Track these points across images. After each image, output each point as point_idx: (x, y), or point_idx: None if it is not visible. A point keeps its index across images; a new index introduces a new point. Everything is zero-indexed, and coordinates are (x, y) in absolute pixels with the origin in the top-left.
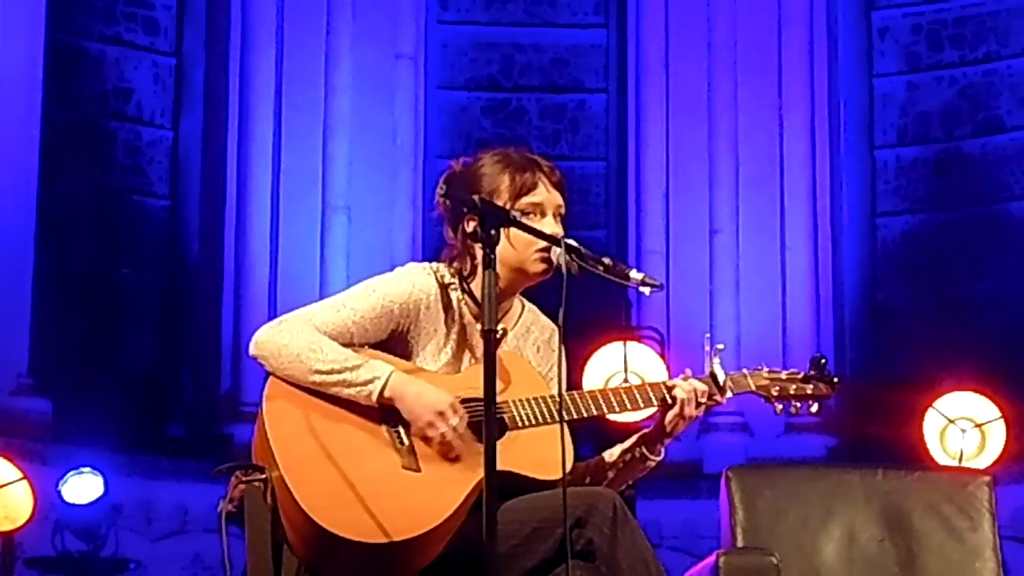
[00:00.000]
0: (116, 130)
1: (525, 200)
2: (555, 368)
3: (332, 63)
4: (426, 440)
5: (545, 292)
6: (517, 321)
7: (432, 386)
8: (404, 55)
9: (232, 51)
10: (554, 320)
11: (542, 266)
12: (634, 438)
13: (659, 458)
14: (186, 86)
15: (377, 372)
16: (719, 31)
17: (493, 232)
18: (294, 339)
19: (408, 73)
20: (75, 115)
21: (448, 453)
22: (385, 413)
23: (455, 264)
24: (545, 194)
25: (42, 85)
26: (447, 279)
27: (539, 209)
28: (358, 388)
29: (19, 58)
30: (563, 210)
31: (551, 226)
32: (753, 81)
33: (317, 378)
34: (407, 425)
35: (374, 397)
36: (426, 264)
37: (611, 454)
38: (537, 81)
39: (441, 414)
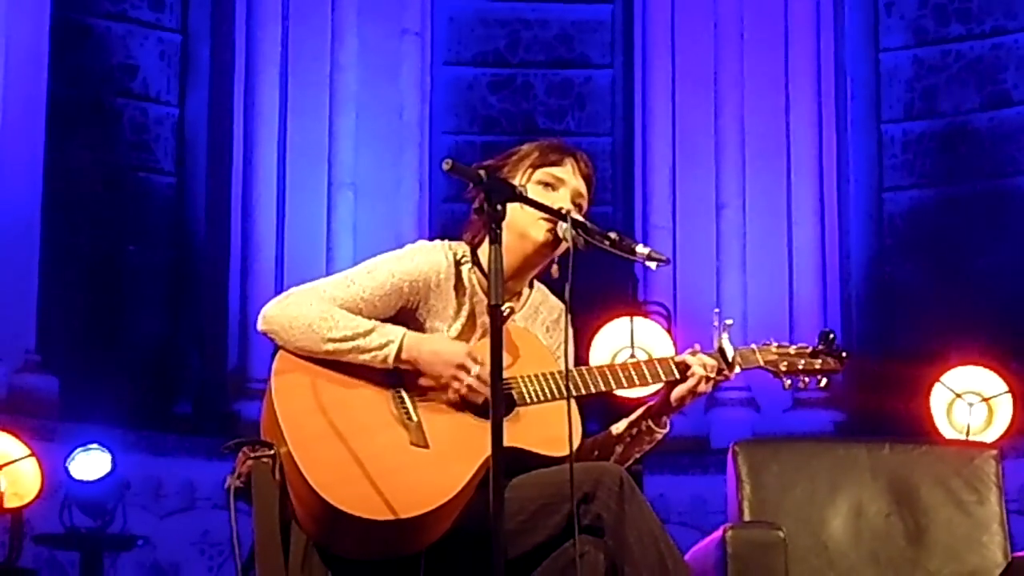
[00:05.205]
0: (122, 107)
1: (546, 170)
2: (563, 345)
3: (338, 39)
4: (451, 391)
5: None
6: (526, 302)
7: (447, 340)
8: (410, 31)
9: (238, 27)
10: (562, 298)
11: (547, 235)
12: (640, 410)
13: (665, 431)
14: (192, 63)
15: (391, 336)
16: (725, 6)
17: (499, 207)
18: (304, 310)
19: (414, 49)
20: (81, 92)
21: (476, 398)
22: (395, 387)
23: (467, 237)
24: (569, 174)
25: (48, 62)
26: (459, 254)
27: (558, 183)
28: (373, 353)
29: (25, 35)
30: (584, 202)
31: (563, 201)
32: (759, 56)
33: (331, 346)
34: (419, 395)
35: (390, 360)
36: (438, 241)
37: (617, 427)
38: (543, 57)
39: (461, 366)
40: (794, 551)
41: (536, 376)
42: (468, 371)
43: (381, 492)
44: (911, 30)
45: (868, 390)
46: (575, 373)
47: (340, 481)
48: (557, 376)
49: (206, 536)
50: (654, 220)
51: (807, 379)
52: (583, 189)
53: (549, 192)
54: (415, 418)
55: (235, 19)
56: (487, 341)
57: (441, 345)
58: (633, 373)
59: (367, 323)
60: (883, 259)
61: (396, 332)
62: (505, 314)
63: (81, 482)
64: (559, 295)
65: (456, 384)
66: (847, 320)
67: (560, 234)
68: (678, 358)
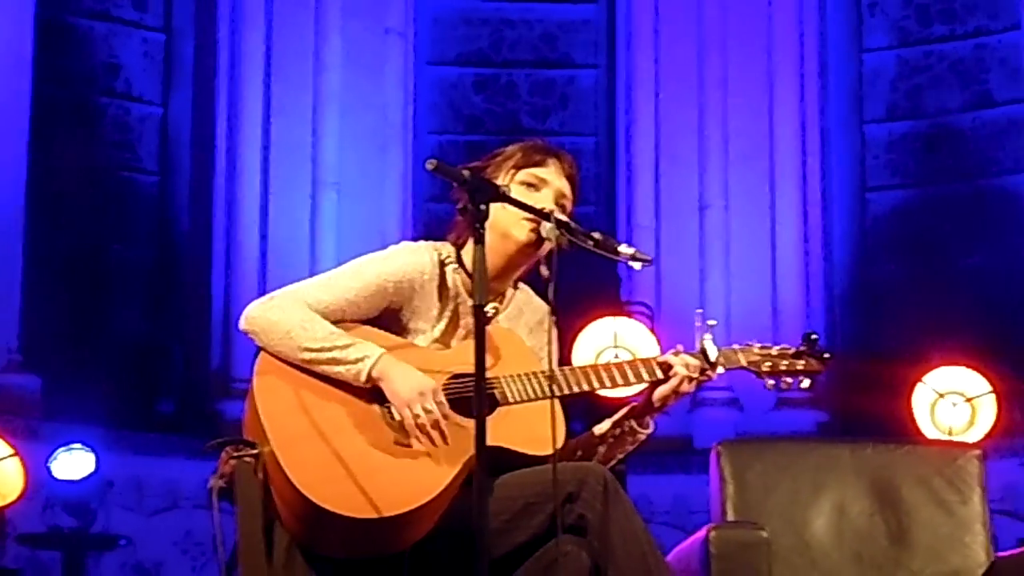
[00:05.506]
0: (105, 106)
1: (529, 171)
2: (546, 346)
3: (322, 38)
4: (405, 414)
5: (536, 270)
6: (510, 303)
7: (417, 370)
8: (394, 30)
9: (221, 27)
10: (545, 298)
11: (530, 235)
12: (623, 411)
13: (648, 431)
14: (175, 62)
15: (367, 352)
16: (709, 7)
17: (483, 207)
18: (285, 316)
19: (398, 48)
20: (64, 91)
21: (427, 437)
22: (376, 390)
23: (451, 237)
24: (552, 174)
25: (31, 61)
26: (444, 255)
27: (541, 183)
28: (347, 367)
29: (8, 34)
30: (568, 203)
31: (546, 201)
32: (743, 56)
33: (307, 355)
34: None
35: (362, 377)
36: (423, 242)
37: (600, 428)
38: (527, 56)
39: (423, 394)
40: (777, 551)
41: (519, 376)
42: (424, 403)
43: (364, 490)
44: (894, 30)
45: (851, 390)
46: (558, 373)
47: (323, 480)
48: (540, 376)
49: (189, 536)
50: (637, 220)
51: (789, 380)
52: (566, 189)
53: (532, 192)
54: (398, 417)
55: (218, 18)
56: (470, 342)
57: (411, 372)
58: (616, 373)
59: (346, 336)
60: (866, 259)
61: (373, 350)
62: (489, 315)
63: (64, 481)
64: (543, 296)
65: (413, 408)
66: (830, 320)
67: (543, 234)
68: (661, 358)
